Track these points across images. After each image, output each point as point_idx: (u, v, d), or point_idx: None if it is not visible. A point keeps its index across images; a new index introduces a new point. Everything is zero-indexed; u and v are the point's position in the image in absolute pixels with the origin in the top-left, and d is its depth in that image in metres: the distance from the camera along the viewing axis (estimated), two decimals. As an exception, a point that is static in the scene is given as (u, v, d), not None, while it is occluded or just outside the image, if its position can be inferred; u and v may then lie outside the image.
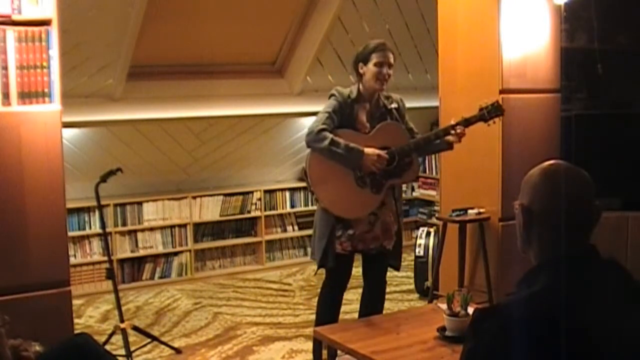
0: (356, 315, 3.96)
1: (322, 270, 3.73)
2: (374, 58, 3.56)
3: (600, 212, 1.56)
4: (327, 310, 3.72)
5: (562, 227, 1.50)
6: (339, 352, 3.10)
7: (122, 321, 4.09)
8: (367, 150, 3.51)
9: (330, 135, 3.47)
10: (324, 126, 3.49)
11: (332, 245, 3.58)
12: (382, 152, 3.54)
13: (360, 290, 3.92)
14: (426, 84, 6.65)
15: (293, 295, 5.57)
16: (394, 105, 3.70)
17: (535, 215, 1.54)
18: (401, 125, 3.69)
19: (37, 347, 2.69)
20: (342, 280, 3.73)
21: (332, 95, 3.62)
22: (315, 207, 6.53)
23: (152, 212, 5.94)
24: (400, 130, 3.66)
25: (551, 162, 1.61)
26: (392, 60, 3.60)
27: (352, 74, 3.78)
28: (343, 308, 5.04)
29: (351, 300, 4.64)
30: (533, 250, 1.56)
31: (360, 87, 3.64)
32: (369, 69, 3.58)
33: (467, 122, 3.62)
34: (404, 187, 7.04)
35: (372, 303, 3.79)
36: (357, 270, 3.85)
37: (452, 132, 3.58)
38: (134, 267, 5.91)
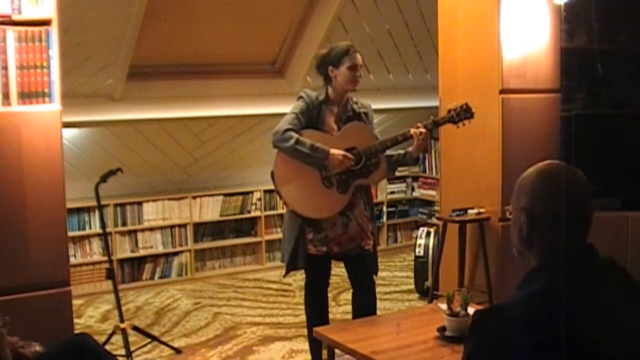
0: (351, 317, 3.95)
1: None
2: (347, 62, 3.54)
3: (593, 206, 1.56)
4: (313, 312, 3.75)
5: (564, 228, 1.50)
6: (337, 351, 3.10)
7: (122, 321, 4.09)
8: (333, 150, 3.49)
9: (295, 135, 3.47)
10: (290, 126, 3.49)
11: (300, 247, 3.57)
12: (348, 153, 3.53)
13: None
14: (426, 84, 6.65)
15: (293, 295, 5.57)
16: (362, 110, 3.68)
17: (537, 217, 1.53)
18: (368, 126, 3.67)
19: (37, 347, 2.69)
20: (320, 281, 3.75)
21: (300, 97, 3.62)
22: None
23: (152, 212, 5.94)
24: (366, 131, 3.64)
25: (546, 162, 1.60)
26: (361, 62, 3.60)
27: (315, 77, 3.75)
28: (343, 308, 5.06)
29: (349, 300, 4.64)
30: (534, 253, 1.56)
31: (329, 90, 3.61)
32: (342, 73, 3.55)
33: (436, 123, 3.62)
34: (403, 187, 7.07)
35: (363, 306, 3.74)
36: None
37: (412, 132, 3.53)
38: (134, 267, 5.91)
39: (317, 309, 3.76)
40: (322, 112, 3.59)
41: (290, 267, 3.66)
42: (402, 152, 3.67)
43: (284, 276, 3.87)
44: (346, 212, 3.60)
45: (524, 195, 1.55)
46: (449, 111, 3.63)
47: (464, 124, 3.63)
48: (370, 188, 3.80)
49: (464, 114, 3.60)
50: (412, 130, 3.53)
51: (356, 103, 3.69)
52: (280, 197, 3.69)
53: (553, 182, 1.53)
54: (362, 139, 3.59)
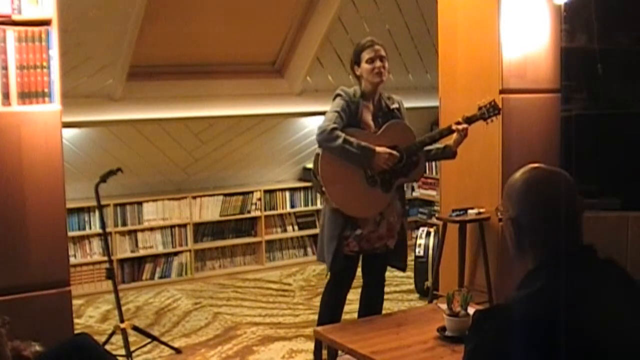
0: (356, 315, 3.96)
1: (324, 271, 3.72)
2: (365, 56, 3.60)
3: (583, 204, 1.57)
4: (331, 311, 3.72)
5: (554, 232, 1.52)
6: (339, 352, 3.10)
7: (122, 321, 4.09)
8: (379, 149, 3.53)
9: (342, 134, 3.48)
10: (335, 125, 3.50)
11: (342, 247, 3.58)
12: (393, 151, 3.56)
13: (360, 290, 3.92)
14: (426, 84, 6.65)
15: (293, 295, 5.57)
16: (395, 106, 3.73)
17: (524, 226, 1.56)
18: (407, 124, 3.72)
19: (37, 347, 2.69)
20: (348, 282, 3.73)
21: (339, 95, 3.64)
22: (314, 207, 6.58)
23: (152, 212, 5.94)
24: (407, 129, 3.69)
25: (530, 168, 1.62)
26: (383, 53, 3.62)
27: (351, 75, 3.82)
28: (344, 308, 5.05)
29: (351, 300, 4.63)
30: (528, 257, 1.57)
31: (362, 87, 3.66)
32: (364, 68, 3.61)
33: (469, 121, 3.67)
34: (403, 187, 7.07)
35: (373, 302, 3.79)
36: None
37: (455, 128, 3.62)
38: (134, 267, 5.91)
39: (335, 309, 3.73)
40: (359, 109, 3.62)
41: (335, 268, 3.62)
42: (440, 146, 3.75)
43: (326, 276, 3.80)
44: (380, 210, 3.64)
45: (511, 205, 1.59)
46: (480, 108, 3.67)
47: (492, 121, 3.69)
48: (404, 187, 3.85)
49: (492, 110, 3.67)
50: (455, 126, 3.62)
51: (389, 99, 3.73)
52: (324, 197, 3.68)
53: (536, 190, 1.56)
54: (403, 138, 3.64)
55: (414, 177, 3.81)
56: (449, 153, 3.75)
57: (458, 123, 3.63)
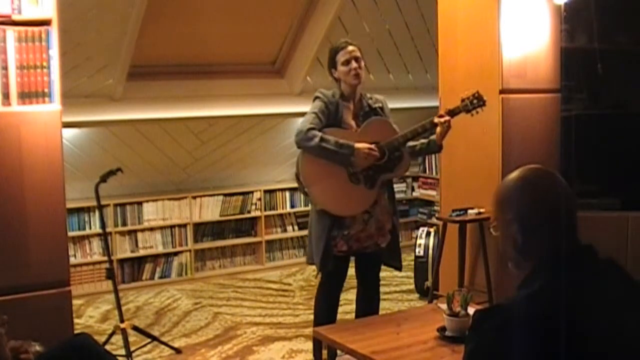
0: (354, 315, 3.96)
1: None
2: (340, 58, 3.61)
3: (577, 203, 1.57)
4: (325, 312, 3.72)
5: (556, 230, 1.52)
6: (338, 352, 3.10)
7: (122, 321, 4.09)
8: (358, 145, 3.51)
9: (319, 134, 3.48)
10: (312, 125, 3.50)
11: (330, 247, 3.58)
12: (373, 146, 3.54)
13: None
14: (426, 84, 6.65)
15: (293, 295, 5.57)
16: (378, 105, 3.71)
17: (527, 225, 1.56)
18: (388, 120, 3.70)
19: (37, 347, 2.69)
20: (339, 282, 3.73)
21: (317, 97, 3.64)
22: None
23: (152, 212, 5.94)
24: (387, 125, 3.67)
25: (524, 169, 1.62)
26: (357, 53, 3.61)
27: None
28: (342, 308, 5.04)
29: (351, 300, 4.64)
30: (528, 257, 1.57)
31: (342, 87, 3.66)
32: (340, 71, 3.61)
33: (452, 113, 3.62)
34: (403, 187, 7.07)
35: (368, 303, 3.78)
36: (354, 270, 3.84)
37: (437, 121, 3.58)
38: (134, 267, 5.91)
39: (328, 309, 3.74)
40: (339, 110, 3.62)
41: (324, 269, 3.62)
42: (424, 141, 3.71)
43: (316, 277, 3.80)
44: (368, 209, 3.62)
45: (510, 206, 1.58)
46: (463, 100, 3.63)
47: (477, 112, 3.65)
48: (393, 185, 3.83)
49: (477, 102, 3.62)
50: (437, 119, 3.58)
51: (370, 98, 3.72)
52: (308, 198, 3.69)
53: (535, 187, 1.57)
54: (384, 134, 3.62)
55: (398, 173, 3.75)
56: (434, 147, 3.70)
57: (440, 116, 3.60)
